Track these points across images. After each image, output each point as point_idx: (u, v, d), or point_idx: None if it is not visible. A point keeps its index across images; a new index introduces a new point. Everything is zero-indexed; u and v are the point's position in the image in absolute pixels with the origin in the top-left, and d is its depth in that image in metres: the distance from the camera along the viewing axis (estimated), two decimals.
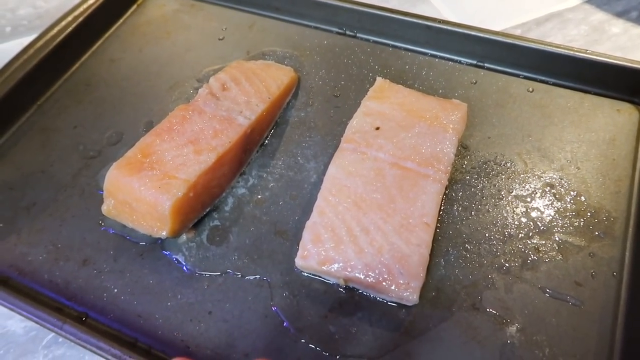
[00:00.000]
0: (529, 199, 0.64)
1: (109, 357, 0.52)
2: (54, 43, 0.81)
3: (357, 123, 0.65)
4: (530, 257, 0.59)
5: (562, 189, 0.65)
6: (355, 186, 0.59)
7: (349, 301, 0.57)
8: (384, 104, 0.66)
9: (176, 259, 0.62)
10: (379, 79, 0.72)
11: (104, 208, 0.61)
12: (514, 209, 0.63)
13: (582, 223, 0.62)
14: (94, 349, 0.52)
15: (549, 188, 0.65)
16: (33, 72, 0.78)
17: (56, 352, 0.59)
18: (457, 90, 0.76)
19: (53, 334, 0.59)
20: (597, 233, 0.61)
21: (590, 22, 0.88)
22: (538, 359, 0.53)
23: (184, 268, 0.61)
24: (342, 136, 0.66)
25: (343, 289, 0.58)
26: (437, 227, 0.61)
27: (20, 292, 0.57)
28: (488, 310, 0.56)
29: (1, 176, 0.71)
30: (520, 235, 0.61)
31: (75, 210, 0.67)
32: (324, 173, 0.63)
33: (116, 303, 0.58)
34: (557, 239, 0.60)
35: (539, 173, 0.66)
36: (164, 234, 0.59)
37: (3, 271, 0.61)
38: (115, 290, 0.59)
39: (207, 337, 0.56)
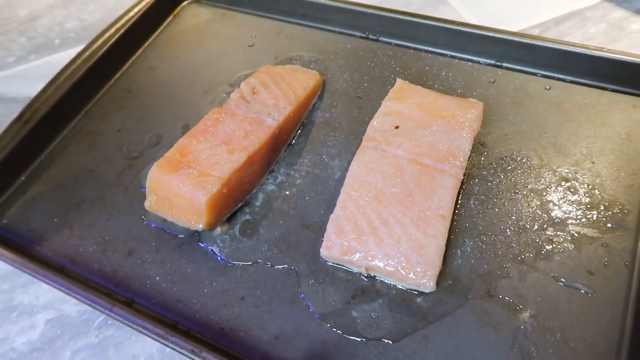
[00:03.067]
0: (543, 193, 0.67)
1: (154, 336, 0.57)
2: (99, 54, 0.88)
3: (378, 122, 0.69)
4: (544, 247, 0.62)
5: (577, 183, 0.67)
6: (376, 181, 0.63)
7: (370, 288, 0.61)
8: (403, 104, 0.70)
9: (211, 250, 0.67)
10: (398, 81, 0.76)
11: (147, 204, 0.67)
12: (529, 202, 0.66)
13: (595, 215, 0.64)
14: (140, 329, 0.58)
15: (563, 182, 0.67)
16: (80, 80, 0.85)
17: (106, 332, 0.65)
18: (476, 89, 0.79)
19: (103, 316, 0.66)
20: (610, 225, 0.63)
21: (609, 19, 0.90)
22: (550, 343, 0.55)
23: (219, 258, 0.66)
24: (364, 135, 0.70)
25: (365, 277, 0.62)
26: (454, 220, 0.65)
27: (74, 279, 0.64)
28: (502, 297, 0.59)
29: (54, 176, 0.78)
30: (534, 227, 0.64)
31: (121, 207, 0.73)
32: (347, 170, 0.68)
33: (158, 290, 0.64)
34: (570, 230, 0.63)
35: (554, 167, 0.69)
36: (200, 226, 0.64)
37: (58, 261, 0.68)
38: (157, 278, 0.65)
39: (240, 321, 0.61)
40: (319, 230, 0.67)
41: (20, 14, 1.11)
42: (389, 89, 0.77)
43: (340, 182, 0.69)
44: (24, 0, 1.15)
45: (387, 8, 0.87)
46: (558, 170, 0.69)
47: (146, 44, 0.96)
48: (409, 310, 0.59)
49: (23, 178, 0.78)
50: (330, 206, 0.68)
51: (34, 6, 1.13)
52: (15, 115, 0.78)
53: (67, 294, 0.61)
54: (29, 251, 0.69)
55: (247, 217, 0.70)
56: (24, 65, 1.01)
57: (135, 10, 0.94)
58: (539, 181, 0.68)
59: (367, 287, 0.62)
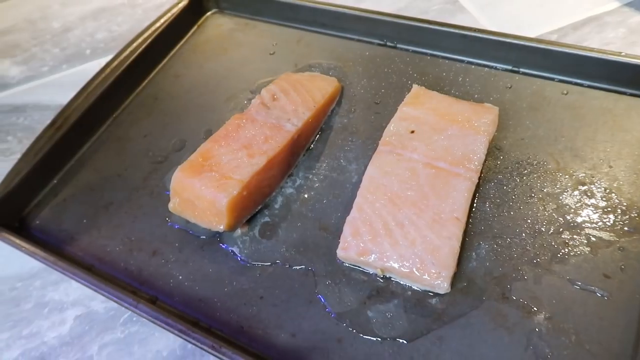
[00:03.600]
0: (560, 196, 0.67)
1: (176, 332, 0.59)
2: (127, 63, 0.92)
3: (394, 127, 0.70)
4: (560, 251, 0.62)
5: (594, 187, 0.67)
6: (391, 184, 0.65)
7: (385, 289, 0.63)
8: (419, 109, 0.71)
9: (232, 251, 0.69)
10: (415, 86, 0.77)
11: (170, 205, 0.70)
12: (545, 205, 0.66)
13: (612, 219, 0.64)
14: (164, 325, 0.60)
15: (580, 185, 0.68)
16: (109, 88, 0.89)
17: (131, 328, 0.68)
18: (492, 94, 0.80)
19: (129, 313, 0.69)
20: (627, 228, 0.63)
21: (629, 24, 0.90)
22: (564, 345, 0.56)
23: (239, 259, 0.68)
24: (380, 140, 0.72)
25: (380, 278, 0.63)
26: (469, 223, 0.66)
27: (102, 277, 0.67)
28: (517, 299, 0.60)
29: (84, 179, 0.82)
30: (550, 230, 0.64)
31: (146, 209, 0.76)
32: (364, 174, 0.69)
33: (181, 288, 0.67)
34: (587, 233, 0.63)
35: (570, 171, 0.69)
36: (221, 228, 0.67)
37: (87, 260, 0.71)
38: (180, 277, 0.68)
39: (259, 319, 0.63)
40: (336, 232, 0.68)
41: (54, 26, 1.17)
42: (406, 94, 0.78)
43: (358, 185, 0.71)
44: (57, 13, 1.21)
45: (404, 16, 0.89)
46: (575, 174, 0.69)
47: (172, 53, 1.00)
48: (424, 311, 0.60)
49: (55, 181, 0.82)
50: (347, 209, 0.69)
51: (66, 18, 1.19)
52: (48, 121, 0.83)
53: (95, 291, 0.64)
54: (60, 250, 0.73)
55: (267, 219, 0.72)
56: (57, 74, 1.06)
57: (162, 21, 0.98)
58: (555, 185, 0.68)
59: (382, 288, 0.63)
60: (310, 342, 0.60)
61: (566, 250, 0.62)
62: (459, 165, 0.65)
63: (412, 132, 0.69)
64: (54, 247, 0.73)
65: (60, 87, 1.03)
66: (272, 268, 0.67)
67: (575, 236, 0.63)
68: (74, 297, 0.72)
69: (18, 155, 0.80)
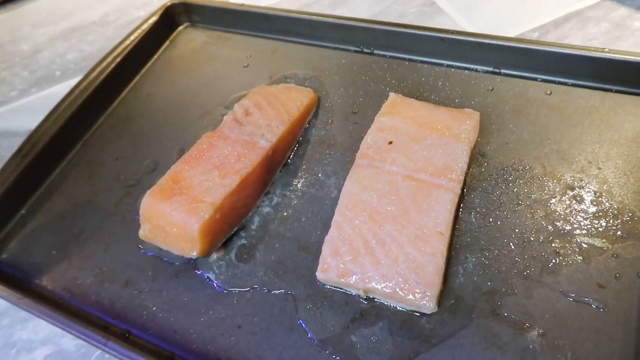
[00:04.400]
0: (548, 203, 0.64)
1: None
2: (97, 83, 0.89)
3: (371, 139, 0.67)
4: (551, 261, 0.59)
5: (583, 191, 0.64)
6: (371, 200, 0.62)
7: (369, 311, 0.59)
8: (397, 118, 0.68)
9: (208, 277, 0.66)
10: (391, 95, 0.74)
11: (141, 233, 0.67)
12: (533, 213, 0.63)
13: (604, 224, 0.61)
14: None
15: (569, 190, 0.64)
16: (78, 111, 0.86)
17: None
18: (474, 98, 0.77)
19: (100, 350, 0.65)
20: (620, 233, 0.60)
21: (612, 18, 0.87)
22: None
23: (215, 285, 0.65)
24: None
25: (364, 299, 0.60)
26: (454, 236, 0.62)
27: (71, 313, 0.63)
28: (508, 315, 0.56)
29: (54, 207, 0.78)
30: (539, 239, 0.61)
31: (118, 236, 0.73)
32: None
33: (155, 320, 0.63)
34: (578, 241, 0.60)
35: (558, 175, 0.66)
36: (194, 254, 0.63)
37: (57, 294, 0.68)
38: (154, 309, 0.64)
39: (237, 350, 0.59)
40: (316, 252, 0.65)
41: (23, 48, 1.13)
42: (385, 102, 0.75)
43: (337, 200, 0.67)
44: (27, 34, 1.17)
45: (380, 21, 0.86)
46: (562, 178, 0.66)
47: (144, 71, 0.96)
48: (411, 332, 0.57)
49: (23, 211, 0.78)
50: (327, 226, 0.66)
51: (36, 40, 1.15)
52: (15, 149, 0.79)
53: (63, 329, 0.61)
54: (28, 285, 0.69)
55: (244, 241, 0.68)
56: (26, 98, 1.03)
57: (132, 37, 0.95)
58: (543, 191, 0.65)
59: (366, 310, 0.59)
60: None
61: (557, 260, 0.59)
62: (440, 176, 0.62)
63: (390, 142, 0.66)
64: (23, 281, 0.70)
65: (30, 111, 1.00)
66: (250, 294, 0.63)
67: (566, 244, 0.60)
68: (43, 335, 0.68)
69: None
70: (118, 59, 0.92)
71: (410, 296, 0.55)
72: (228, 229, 0.68)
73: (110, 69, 0.91)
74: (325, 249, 0.60)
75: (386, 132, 0.67)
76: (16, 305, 0.63)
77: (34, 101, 1.02)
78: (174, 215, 0.63)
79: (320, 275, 0.60)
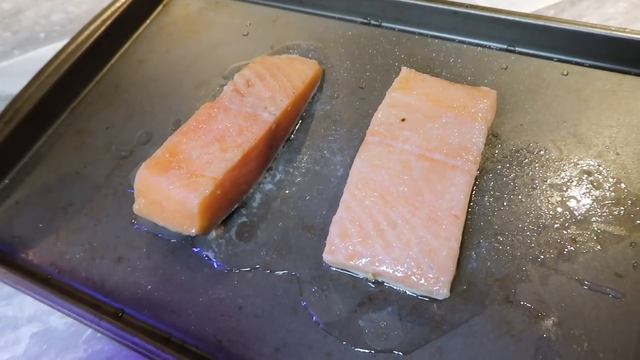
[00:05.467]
0: (564, 188, 0.62)
1: (145, 352, 0.53)
2: (84, 47, 0.83)
3: (382, 115, 0.64)
4: (567, 248, 0.57)
5: (600, 176, 0.62)
6: (382, 180, 0.59)
7: (378, 295, 0.57)
8: (410, 94, 0.65)
9: (206, 256, 0.62)
10: (404, 69, 0.70)
11: (135, 207, 0.63)
12: (549, 198, 0.61)
13: (622, 211, 0.59)
14: (129, 344, 0.54)
15: (586, 175, 0.62)
16: (65, 76, 0.80)
17: (95, 346, 0.61)
18: (487, 76, 0.74)
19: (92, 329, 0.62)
20: (638, 221, 0.58)
21: None
22: (576, 354, 0.51)
23: (214, 264, 0.62)
24: (368, 128, 0.65)
25: (372, 283, 0.57)
26: (467, 219, 0.60)
27: (60, 290, 0.60)
28: (522, 303, 0.54)
29: (39, 178, 0.73)
30: (555, 225, 0.59)
31: (109, 210, 0.68)
32: (350, 166, 0.63)
33: (150, 299, 0.60)
34: (595, 228, 0.58)
35: (575, 160, 0.64)
36: (193, 231, 0.60)
37: (44, 269, 0.64)
38: (149, 287, 0.61)
39: (239, 332, 0.56)
40: (322, 233, 0.62)
41: (4, 7, 1.06)
42: (393, 77, 0.71)
43: (343, 179, 0.64)
44: None
45: None
46: (579, 163, 0.63)
47: (135, 36, 0.91)
48: (421, 318, 0.55)
49: (6, 181, 0.73)
50: (332, 206, 0.63)
51: None
52: None
53: (52, 307, 0.57)
54: (12, 260, 0.65)
55: (244, 219, 0.65)
56: (8, 61, 0.96)
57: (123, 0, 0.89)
58: (559, 175, 0.63)
59: (374, 294, 0.57)
60: (296, 357, 0.54)
61: (574, 247, 0.57)
62: (456, 156, 0.59)
63: (403, 120, 0.62)
64: (7, 255, 0.66)
65: (12, 75, 0.93)
66: (252, 274, 0.60)
67: (583, 231, 0.58)
68: (29, 312, 0.64)
69: None
70: (107, 22, 0.86)
71: (423, 281, 0.53)
72: (228, 205, 0.64)
73: (99, 32, 0.85)
74: (333, 229, 0.57)
75: (398, 108, 0.63)
76: (2, 280, 0.59)
77: (16, 64, 0.95)
78: (172, 190, 0.59)
79: (327, 257, 0.57)
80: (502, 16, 0.74)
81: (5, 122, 0.74)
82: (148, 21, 0.92)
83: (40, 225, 0.68)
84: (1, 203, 0.71)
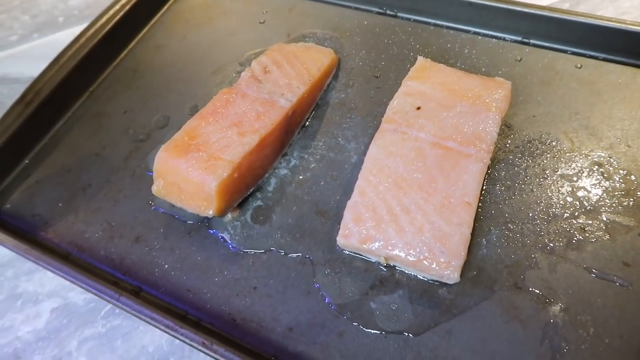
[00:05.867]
0: (575, 178, 0.63)
1: (162, 327, 0.54)
2: (103, 32, 0.84)
3: (398, 103, 0.65)
4: (576, 237, 0.58)
5: (611, 168, 0.63)
6: (396, 166, 0.60)
7: (389, 279, 0.58)
8: (425, 83, 0.66)
9: (222, 237, 0.64)
10: (420, 58, 0.71)
11: (154, 188, 0.64)
12: (559, 188, 0.62)
13: (631, 202, 0.60)
14: (148, 319, 0.55)
15: (596, 167, 0.63)
16: (84, 60, 0.82)
17: (113, 322, 0.63)
18: (501, 68, 0.75)
19: (110, 305, 0.64)
20: None
21: None
22: (582, 339, 0.52)
23: (230, 246, 0.63)
24: (382, 117, 0.66)
25: (384, 267, 0.59)
26: (478, 207, 0.61)
27: (80, 267, 0.61)
28: (531, 289, 0.56)
29: (58, 159, 0.75)
30: (565, 214, 0.60)
31: (127, 191, 0.70)
32: (364, 154, 0.64)
33: (167, 278, 0.61)
34: (604, 218, 0.59)
35: (586, 152, 0.65)
36: (210, 213, 0.61)
37: (64, 247, 0.66)
38: (166, 266, 0.62)
39: (253, 311, 0.58)
40: (335, 217, 0.63)
41: None
42: (408, 67, 0.72)
43: (357, 166, 0.66)
44: None
45: None
46: (590, 154, 0.64)
47: (153, 22, 0.92)
48: (431, 302, 0.56)
49: (26, 161, 0.75)
50: (346, 191, 0.65)
51: None
52: (17, 96, 0.75)
53: (73, 282, 0.59)
54: (33, 237, 0.67)
55: (259, 202, 0.66)
56: (27, 44, 0.98)
57: None
58: (570, 166, 0.64)
59: (386, 278, 0.58)
60: (308, 336, 0.56)
61: (583, 236, 0.58)
62: (469, 145, 0.60)
63: (418, 108, 0.64)
64: (27, 233, 0.68)
65: (30, 58, 0.95)
66: (266, 256, 0.62)
67: (592, 221, 0.59)
68: (49, 287, 0.66)
69: None
70: (127, 7, 0.88)
71: (435, 265, 0.54)
72: (244, 189, 0.65)
73: (117, 17, 0.86)
74: (347, 214, 0.59)
75: (414, 97, 0.65)
76: (24, 256, 0.61)
77: (35, 47, 0.97)
78: (190, 172, 0.61)
79: (341, 240, 0.58)
80: (518, 8, 0.75)
81: (26, 104, 0.76)
82: (165, 7, 0.94)
83: (60, 204, 0.70)
84: (22, 182, 0.73)
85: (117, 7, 0.87)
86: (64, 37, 0.96)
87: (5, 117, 0.74)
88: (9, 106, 0.75)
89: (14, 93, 0.78)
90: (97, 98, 0.82)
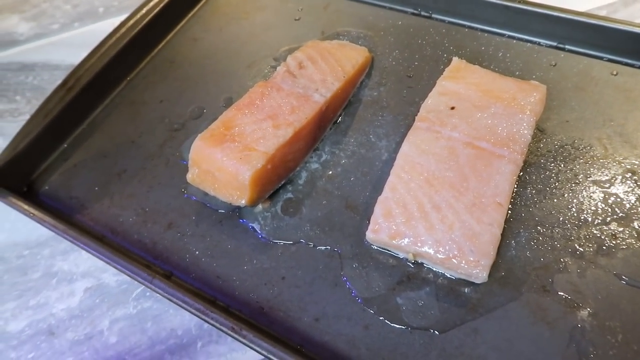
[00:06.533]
0: (607, 185, 0.62)
1: (193, 310, 0.56)
2: (143, 23, 0.86)
3: (432, 102, 0.65)
4: (607, 243, 0.58)
5: None
6: (428, 164, 0.60)
7: (416, 275, 0.59)
8: (460, 84, 0.66)
9: (252, 227, 0.65)
10: (455, 59, 0.72)
11: (189, 176, 0.66)
12: (591, 194, 0.62)
13: None
14: (179, 302, 0.57)
15: (630, 174, 0.63)
16: (123, 49, 0.84)
17: (144, 304, 0.65)
18: (535, 72, 0.74)
19: (142, 287, 0.65)
20: None
21: None
22: (610, 345, 0.52)
23: (259, 236, 0.64)
24: (414, 116, 0.67)
25: (412, 263, 0.59)
26: (509, 209, 0.61)
27: (114, 249, 0.63)
28: (559, 293, 0.56)
29: (96, 145, 0.77)
30: (596, 220, 0.60)
31: (161, 178, 0.72)
32: (395, 151, 0.65)
33: (198, 264, 0.63)
34: (636, 226, 0.59)
35: (619, 159, 0.64)
36: (243, 202, 0.62)
37: (99, 230, 0.68)
38: (197, 253, 0.64)
39: (280, 300, 0.59)
40: (364, 212, 0.64)
41: None
42: (442, 68, 0.73)
43: (388, 163, 0.67)
44: None
45: None
46: (624, 161, 0.64)
47: (190, 15, 0.94)
48: (458, 300, 0.57)
49: (65, 145, 0.78)
50: (376, 188, 0.65)
51: None
52: (58, 82, 0.78)
53: (108, 263, 0.61)
54: (70, 218, 0.69)
55: (290, 195, 0.67)
56: (68, 32, 1.01)
57: None
58: (603, 172, 0.63)
59: (413, 274, 0.59)
60: (334, 327, 0.57)
61: (613, 242, 0.58)
62: (502, 146, 0.60)
63: (452, 108, 0.64)
64: (64, 214, 0.70)
65: (71, 46, 0.98)
66: (295, 247, 0.63)
67: (623, 228, 0.59)
68: (84, 268, 0.68)
69: (27, 116, 0.76)
70: (165, 0, 0.89)
71: (464, 264, 0.55)
72: (277, 180, 0.67)
73: (156, 10, 0.88)
74: (378, 209, 0.59)
75: (448, 96, 0.65)
76: (61, 235, 0.63)
77: (76, 36, 1.00)
78: (225, 162, 0.62)
79: (370, 235, 0.59)
80: (554, 13, 0.75)
81: (67, 90, 0.78)
82: (203, 1, 0.95)
83: (96, 188, 0.72)
84: (60, 165, 0.75)
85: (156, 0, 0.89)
86: (104, 26, 0.99)
87: (46, 102, 0.77)
88: (50, 91, 0.77)
89: (55, 79, 0.81)
90: (134, 87, 0.84)
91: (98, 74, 0.81)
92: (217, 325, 0.55)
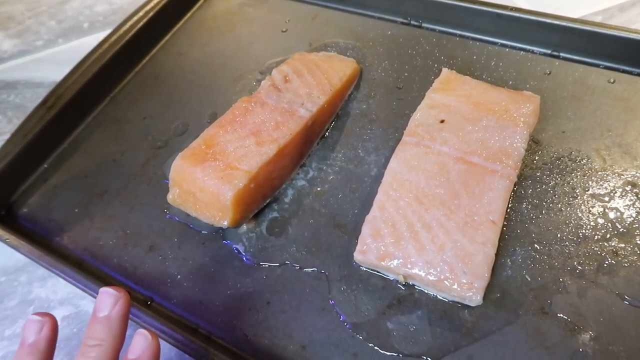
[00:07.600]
0: (607, 199, 0.59)
1: (172, 341, 0.53)
2: (126, 38, 0.84)
3: (421, 116, 0.63)
4: (608, 260, 0.55)
5: None
6: (418, 181, 0.58)
7: (408, 298, 0.56)
8: (450, 96, 0.64)
9: (236, 249, 0.62)
10: (444, 70, 0.69)
11: (169, 197, 0.63)
12: (590, 208, 0.59)
13: None
14: (157, 332, 0.54)
15: (630, 187, 0.60)
16: (107, 65, 0.81)
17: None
18: (529, 81, 0.72)
19: None
20: None
21: None
22: None
23: (244, 258, 0.62)
24: (404, 129, 0.64)
25: (402, 285, 0.57)
26: (503, 226, 0.58)
27: (92, 275, 0.60)
28: (558, 315, 0.52)
29: (77, 164, 0.75)
30: (596, 237, 0.57)
31: (143, 198, 0.69)
32: (384, 166, 0.62)
33: (179, 289, 0.60)
34: (638, 242, 0.56)
35: (619, 171, 0.61)
36: (225, 223, 0.60)
37: (78, 254, 0.65)
38: (179, 277, 0.61)
39: (265, 327, 0.56)
40: (353, 232, 0.61)
41: None
42: (433, 79, 0.70)
43: (377, 179, 0.64)
44: None
45: None
46: (624, 173, 0.61)
47: (176, 28, 0.92)
48: (451, 324, 0.54)
49: (45, 166, 0.75)
50: (365, 205, 0.63)
51: None
52: (40, 100, 0.76)
53: (84, 290, 0.58)
54: (48, 242, 0.67)
55: (276, 214, 0.65)
56: (52, 49, 0.99)
57: None
58: (602, 185, 0.61)
59: (404, 297, 0.56)
60: (322, 355, 0.54)
61: (615, 260, 0.55)
62: (495, 160, 0.57)
63: (442, 121, 0.61)
64: (43, 237, 0.67)
65: (55, 62, 0.96)
66: (281, 269, 0.60)
67: (625, 244, 0.56)
68: (62, 294, 0.65)
69: (7, 136, 0.73)
70: (150, 14, 0.87)
71: (456, 286, 0.52)
72: (261, 200, 0.64)
73: (140, 24, 0.86)
74: (366, 229, 0.57)
75: (438, 109, 0.62)
76: (37, 262, 0.60)
77: (60, 52, 0.98)
78: (207, 181, 0.60)
79: (358, 256, 0.56)
80: (548, 20, 0.72)
81: (48, 108, 0.76)
82: (189, 14, 0.93)
83: (76, 210, 0.69)
84: (40, 186, 0.73)
85: (140, 13, 0.87)
86: (88, 42, 0.96)
87: (26, 121, 0.74)
88: (31, 110, 0.75)
89: (38, 97, 0.79)
90: (118, 103, 0.82)
91: (80, 92, 0.78)
92: (197, 357, 0.52)
